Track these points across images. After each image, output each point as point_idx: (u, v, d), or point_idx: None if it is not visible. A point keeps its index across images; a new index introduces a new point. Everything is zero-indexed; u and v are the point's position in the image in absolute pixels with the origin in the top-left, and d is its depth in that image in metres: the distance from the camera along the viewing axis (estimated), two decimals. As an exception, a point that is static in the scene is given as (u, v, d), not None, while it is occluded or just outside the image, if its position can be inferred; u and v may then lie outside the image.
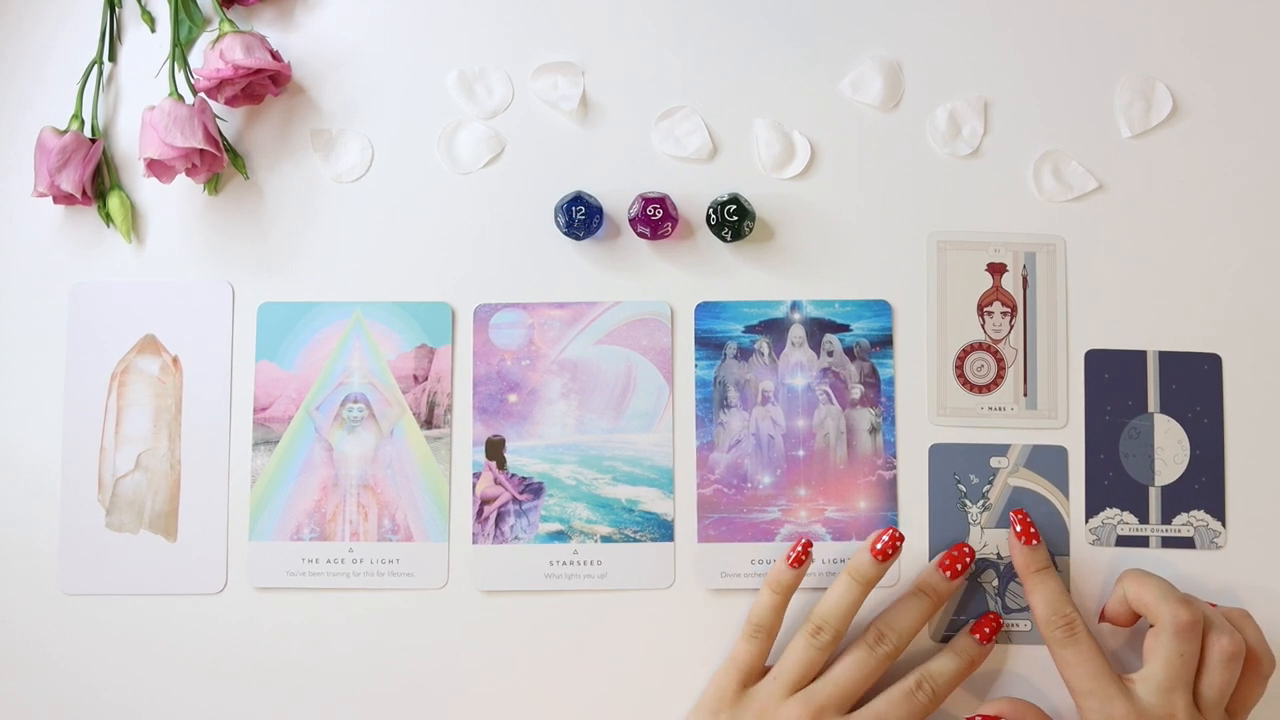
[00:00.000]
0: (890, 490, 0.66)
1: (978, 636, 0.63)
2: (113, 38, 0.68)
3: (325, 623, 0.65)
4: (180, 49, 0.66)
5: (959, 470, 0.66)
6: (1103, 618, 0.64)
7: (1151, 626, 0.61)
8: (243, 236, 0.67)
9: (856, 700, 0.61)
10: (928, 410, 0.66)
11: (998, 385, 0.66)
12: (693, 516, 0.66)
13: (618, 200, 0.67)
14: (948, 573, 0.63)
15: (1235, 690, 0.61)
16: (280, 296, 0.67)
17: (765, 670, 0.63)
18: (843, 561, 0.65)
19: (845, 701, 0.61)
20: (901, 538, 0.62)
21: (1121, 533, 0.65)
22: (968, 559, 0.63)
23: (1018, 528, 0.63)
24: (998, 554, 0.65)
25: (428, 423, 0.66)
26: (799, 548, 0.62)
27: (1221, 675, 0.60)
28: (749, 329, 0.66)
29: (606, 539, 0.65)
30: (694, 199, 0.67)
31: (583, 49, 0.68)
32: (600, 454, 0.66)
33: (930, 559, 0.65)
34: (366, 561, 0.65)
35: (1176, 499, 0.65)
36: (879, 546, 0.62)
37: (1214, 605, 0.63)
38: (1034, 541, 0.63)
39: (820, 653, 0.62)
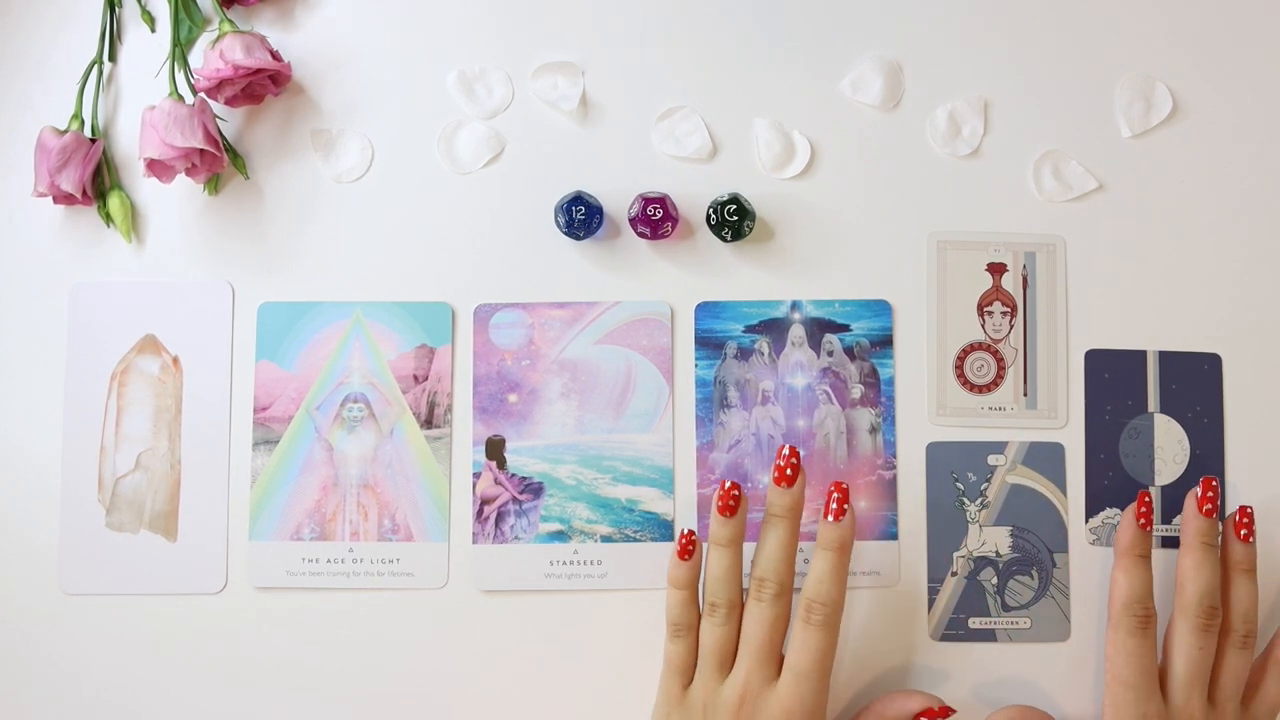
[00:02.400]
0: (890, 490, 0.66)
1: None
2: (113, 38, 0.68)
3: (325, 623, 0.65)
4: (180, 49, 0.66)
5: (956, 468, 0.66)
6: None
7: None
8: (243, 236, 0.67)
9: (777, 653, 0.60)
10: (928, 410, 0.66)
11: (998, 385, 0.66)
12: (693, 516, 0.66)
13: (618, 200, 0.67)
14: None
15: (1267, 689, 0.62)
16: (280, 296, 0.67)
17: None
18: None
19: (766, 658, 0.60)
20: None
21: (1121, 532, 0.65)
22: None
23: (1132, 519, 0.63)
24: (996, 552, 0.65)
25: (428, 422, 0.66)
26: (683, 540, 0.62)
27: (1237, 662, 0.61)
28: (749, 329, 0.66)
29: (606, 539, 0.65)
30: (694, 199, 0.67)
31: (583, 49, 0.68)
32: (600, 454, 0.66)
33: (929, 559, 0.65)
34: (366, 561, 0.65)
35: (1176, 499, 0.66)
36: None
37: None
38: (1148, 528, 0.63)
39: (725, 626, 0.61)
